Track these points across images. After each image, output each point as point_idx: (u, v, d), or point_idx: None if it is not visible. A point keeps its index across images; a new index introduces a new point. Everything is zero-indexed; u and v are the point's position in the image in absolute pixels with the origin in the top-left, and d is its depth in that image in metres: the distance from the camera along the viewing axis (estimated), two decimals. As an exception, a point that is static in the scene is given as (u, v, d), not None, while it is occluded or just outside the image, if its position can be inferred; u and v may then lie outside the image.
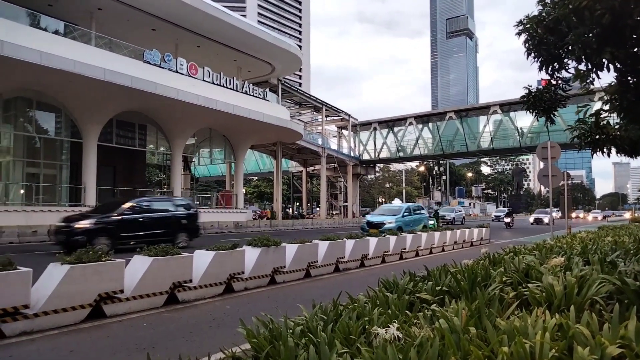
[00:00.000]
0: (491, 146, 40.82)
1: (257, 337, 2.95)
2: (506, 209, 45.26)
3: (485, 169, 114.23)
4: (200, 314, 5.92)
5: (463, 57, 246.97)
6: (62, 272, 5.25)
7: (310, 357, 2.54)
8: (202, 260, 6.93)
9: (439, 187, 78.27)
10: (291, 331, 3.05)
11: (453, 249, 15.50)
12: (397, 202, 30.04)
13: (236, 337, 2.93)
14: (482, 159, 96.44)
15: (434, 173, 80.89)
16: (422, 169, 74.07)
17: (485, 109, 41.15)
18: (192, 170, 33.58)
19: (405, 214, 21.24)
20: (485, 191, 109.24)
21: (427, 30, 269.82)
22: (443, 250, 14.79)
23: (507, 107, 38.64)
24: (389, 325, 2.86)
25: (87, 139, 21.74)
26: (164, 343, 4.65)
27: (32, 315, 4.92)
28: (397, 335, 2.73)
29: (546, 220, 34.82)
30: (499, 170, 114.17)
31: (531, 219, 42.26)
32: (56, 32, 19.90)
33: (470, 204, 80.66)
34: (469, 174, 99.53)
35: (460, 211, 44.11)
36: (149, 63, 21.39)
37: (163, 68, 21.93)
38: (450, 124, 42.78)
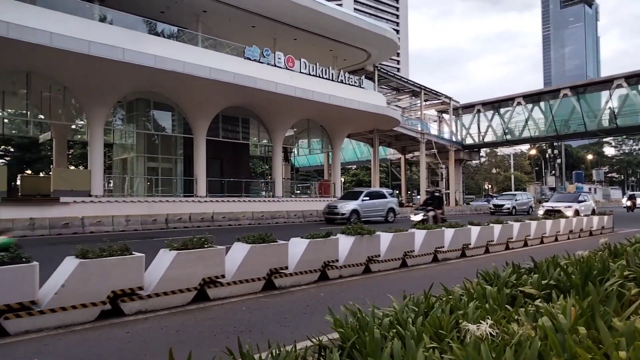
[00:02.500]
0: (614, 124, 36.37)
1: (344, 327, 2.89)
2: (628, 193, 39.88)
3: (609, 150, 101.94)
4: (295, 300, 6.06)
5: (580, 27, 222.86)
6: (171, 257, 5.68)
7: (394, 351, 2.42)
8: (297, 248, 7.09)
9: (553, 172, 71.88)
10: (379, 322, 2.95)
11: (568, 238, 14.13)
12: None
13: (328, 325, 2.92)
14: (604, 139, 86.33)
15: (547, 156, 74.38)
16: (533, 152, 68.61)
17: (607, 83, 36.69)
18: (292, 161, 34.68)
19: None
20: (610, 175, 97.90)
21: (538, 1, 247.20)
22: (556, 240, 13.55)
23: (636, 79, 34.06)
24: (481, 321, 2.62)
25: (197, 134, 23.46)
26: (260, 327, 4.82)
27: (145, 297, 5.41)
28: (490, 333, 2.49)
29: None
30: (626, 151, 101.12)
31: None
32: (169, 36, 21.70)
33: (590, 189, 72.97)
34: (589, 156, 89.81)
35: (528, 199, 34.97)
36: (249, 59, 22.37)
37: (262, 63, 22.79)
38: (565, 102, 38.91)
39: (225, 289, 6.12)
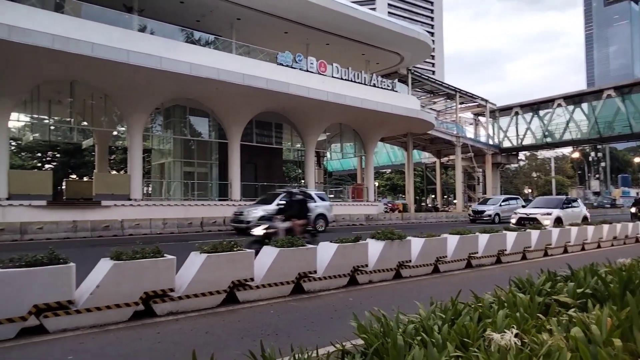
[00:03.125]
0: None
1: (367, 332, 2.86)
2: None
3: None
4: (323, 305, 6.04)
5: (626, 25, 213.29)
6: (201, 260, 5.78)
7: (416, 359, 2.37)
8: (325, 252, 7.08)
9: (597, 175, 69.00)
10: (403, 328, 2.90)
11: (612, 245, 13.50)
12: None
13: (355, 330, 2.90)
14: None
15: (591, 159, 71.48)
16: (575, 155, 66.11)
17: (655, 83, 34.98)
18: (325, 165, 34.70)
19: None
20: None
21: (580, 0, 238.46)
22: (599, 247, 12.96)
23: (687, 77, 32.23)
24: (505, 330, 2.53)
25: (232, 139, 23.88)
26: (287, 330, 4.83)
27: (176, 298, 5.52)
28: (516, 342, 2.40)
29: None
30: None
31: None
32: (205, 44, 22.24)
33: (638, 193, 69.55)
34: (637, 159, 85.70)
35: (513, 204, 27.80)
36: (282, 65, 22.62)
37: (294, 68, 23.00)
38: (609, 103, 37.34)
39: (254, 292, 6.18)
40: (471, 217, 27.82)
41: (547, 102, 41.28)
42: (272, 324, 5.11)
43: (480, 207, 28.10)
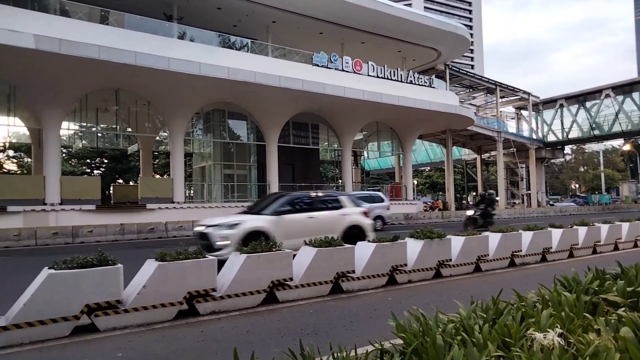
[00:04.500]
0: None
1: (406, 332, 2.85)
2: None
3: None
4: (362, 304, 6.04)
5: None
6: (241, 261, 5.91)
7: (455, 359, 2.34)
8: (363, 251, 7.06)
9: (651, 168, 65.24)
10: (443, 328, 2.87)
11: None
12: None
13: (393, 330, 2.90)
14: None
15: (644, 152, 67.71)
16: (627, 147, 62.83)
17: None
18: (362, 164, 34.55)
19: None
20: None
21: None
22: (654, 243, 12.28)
23: None
24: (548, 329, 2.46)
25: (269, 142, 24.20)
26: (326, 330, 4.87)
27: (218, 298, 5.67)
28: (560, 342, 2.33)
29: None
30: None
31: None
32: (241, 48, 22.68)
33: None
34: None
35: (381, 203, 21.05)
36: (317, 65, 22.73)
37: (330, 68, 23.06)
38: (663, 91, 35.27)
39: (293, 291, 6.25)
40: None
41: (594, 93, 39.46)
42: (311, 323, 5.15)
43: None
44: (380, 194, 22.21)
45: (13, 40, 14.67)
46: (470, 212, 16.37)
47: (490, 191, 20.09)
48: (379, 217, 19.38)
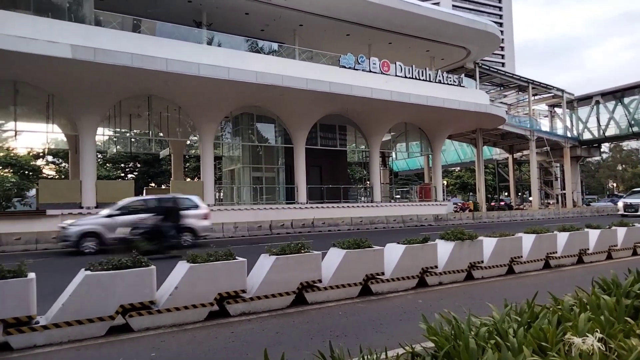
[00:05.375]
0: None
1: (437, 335, 2.81)
2: None
3: None
4: (392, 307, 5.98)
5: None
6: (270, 262, 5.95)
7: (489, 363, 2.30)
8: (393, 253, 7.00)
9: (696, 166, 62.30)
10: (476, 331, 2.81)
11: None
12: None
13: (424, 332, 2.86)
14: None
15: (687, 148, 64.73)
16: (667, 144, 60.20)
17: None
18: (391, 165, 34.29)
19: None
20: None
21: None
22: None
23: None
24: (587, 334, 2.38)
25: (297, 144, 24.33)
26: (355, 332, 4.85)
27: (248, 299, 5.73)
28: (600, 347, 2.25)
29: None
30: None
31: None
32: (269, 52, 22.91)
33: None
34: None
35: None
36: (344, 67, 22.70)
37: (357, 70, 22.99)
38: None
39: (322, 293, 6.25)
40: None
41: (633, 89, 37.88)
42: (340, 325, 5.14)
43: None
44: (193, 197, 15.27)
45: (51, 51, 15.26)
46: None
47: (179, 195, 14.48)
48: (187, 230, 13.60)
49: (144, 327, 5.06)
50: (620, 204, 28.79)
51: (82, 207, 18.69)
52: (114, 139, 26.67)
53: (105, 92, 18.95)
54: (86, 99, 18.75)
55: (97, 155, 25.87)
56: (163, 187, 37.91)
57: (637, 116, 37.75)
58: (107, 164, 44.52)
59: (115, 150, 31.80)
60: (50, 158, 41.20)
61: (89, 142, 19.66)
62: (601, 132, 40.18)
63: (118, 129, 25.22)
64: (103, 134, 24.52)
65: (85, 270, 5.06)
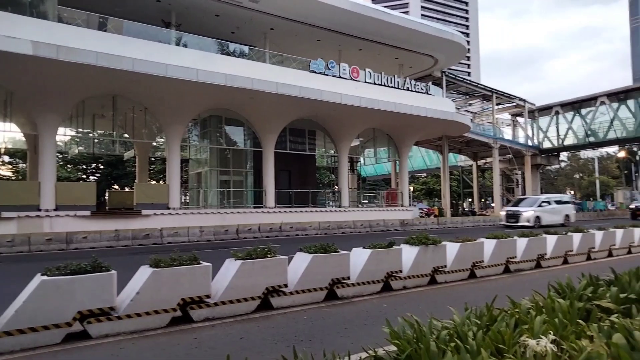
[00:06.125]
0: None
1: (400, 339, 2.84)
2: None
3: None
4: (357, 311, 6.02)
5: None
6: (236, 267, 5.89)
7: (448, 365, 2.34)
8: (359, 258, 7.06)
9: (646, 176, 65.50)
10: (437, 334, 2.86)
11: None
12: None
13: (387, 336, 2.89)
14: None
15: (638, 158, 68.04)
16: (622, 154, 63.13)
17: None
18: (359, 170, 34.54)
19: None
20: None
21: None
22: (648, 250, 12.33)
23: None
24: (541, 336, 2.47)
25: (266, 147, 24.20)
26: (320, 336, 4.85)
27: (212, 304, 5.65)
28: (553, 349, 2.33)
29: None
30: None
31: None
32: (239, 55, 22.72)
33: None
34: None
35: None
36: (315, 72, 22.78)
37: (327, 75, 23.11)
38: (658, 99, 35.50)
39: (288, 298, 6.23)
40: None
41: (590, 100, 39.67)
42: (305, 330, 5.14)
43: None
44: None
45: (11, 47, 14.64)
46: None
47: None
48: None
49: (103, 333, 4.91)
50: (502, 212, 28.09)
51: (40, 210, 17.98)
52: (76, 140, 25.80)
53: (67, 91, 18.32)
54: (47, 98, 18.07)
55: (57, 156, 24.95)
56: (126, 189, 36.92)
57: (593, 127, 39.49)
58: (68, 165, 43.03)
59: (77, 151, 30.77)
60: (6, 158, 39.48)
61: (49, 142, 18.94)
62: (560, 141, 41.83)
63: (80, 129, 24.42)
64: (64, 134, 23.65)
65: (42, 275, 4.86)
